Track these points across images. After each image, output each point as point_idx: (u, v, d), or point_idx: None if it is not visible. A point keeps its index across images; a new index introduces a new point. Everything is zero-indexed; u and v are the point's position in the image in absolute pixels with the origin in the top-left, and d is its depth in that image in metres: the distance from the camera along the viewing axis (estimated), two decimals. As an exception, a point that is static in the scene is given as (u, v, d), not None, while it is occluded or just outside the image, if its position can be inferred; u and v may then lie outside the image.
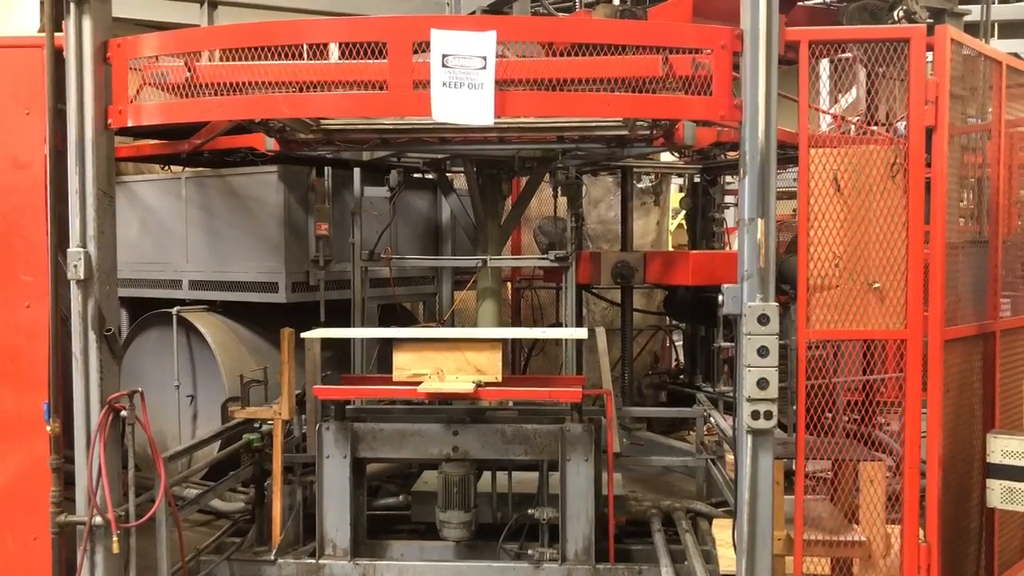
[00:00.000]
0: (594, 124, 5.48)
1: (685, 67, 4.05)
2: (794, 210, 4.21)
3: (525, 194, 7.51)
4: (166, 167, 8.07)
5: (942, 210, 4.20)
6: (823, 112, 4.55)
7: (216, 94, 4.15)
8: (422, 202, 8.57)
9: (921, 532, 4.18)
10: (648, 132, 5.63)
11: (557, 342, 8.45)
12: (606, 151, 6.69)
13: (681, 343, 10.59)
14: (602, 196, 10.56)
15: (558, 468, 5.21)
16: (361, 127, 5.64)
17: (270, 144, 6.28)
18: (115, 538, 4.24)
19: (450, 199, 7.77)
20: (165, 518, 4.70)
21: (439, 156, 7.25)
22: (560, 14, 8.76)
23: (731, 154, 8.12)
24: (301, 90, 4.27)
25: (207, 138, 6.78)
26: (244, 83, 4.10)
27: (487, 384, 5.10)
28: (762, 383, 3.85)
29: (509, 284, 9.94)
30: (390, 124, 5.57)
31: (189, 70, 4.19)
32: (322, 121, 5.56)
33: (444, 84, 3.85)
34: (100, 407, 4.27)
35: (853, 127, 4.46)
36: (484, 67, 3.84)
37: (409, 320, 8.80)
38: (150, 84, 4.27)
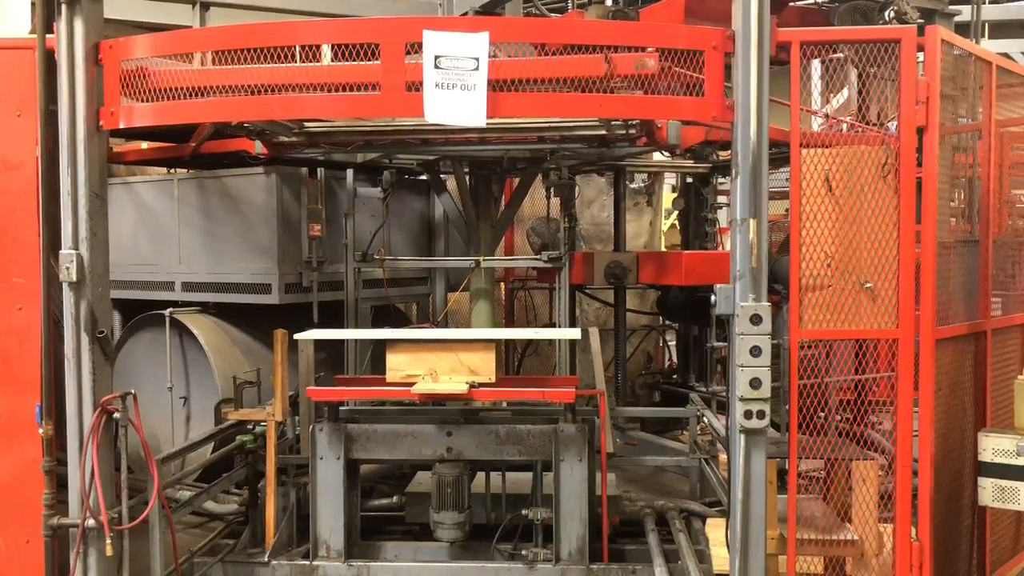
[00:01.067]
0: (573, 124, 5.49)
1: (628, 66, 4.08)
2: (786, 210, 4.22)
3: (517, 195, 7.51)
4: (172, 170, 8.06)
5: (933, 210, 4.22)
6: (815, 113, 4.56)
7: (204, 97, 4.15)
8: (416, 203, 8.57)
9: (913, 531, 4.20)
10: (624, 132, 5.63)
11: (550, 343, 8.45)
12: (596, 151, 6.69)
13: (674, 343, 10.61)
14: (595, 197, 10.57)
15: (552, 468, 5.22)
16: (343, 129, 5.65)
17: (260, 146, 6.28)
18: (108, 540, 4.24)
19: (443, 199, 7.77)
20: (158, 520, 4.70)
21: (429, 157, 7.25)
22: (553, 15, 8.76)
23: (723, 153, 8.13)
24: (282, 91, 4.25)
25: (200, 141, 6.77)
26: (237, 86, 4.11)
27: (481, 385, 5.11)
28: (755, 383, 3.86)
29: (503, 285, 9.95)
30: (371, 126, 5.59)
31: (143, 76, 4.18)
32: (305, 124, 5.57)
33: (437, 85, 3.86)
34: (93, 409, 4.26)
35: (845, 127, 4.48)
36: (477, 68, 3.84)
37: (403, 321, 8.79)
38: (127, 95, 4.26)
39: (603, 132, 5.54)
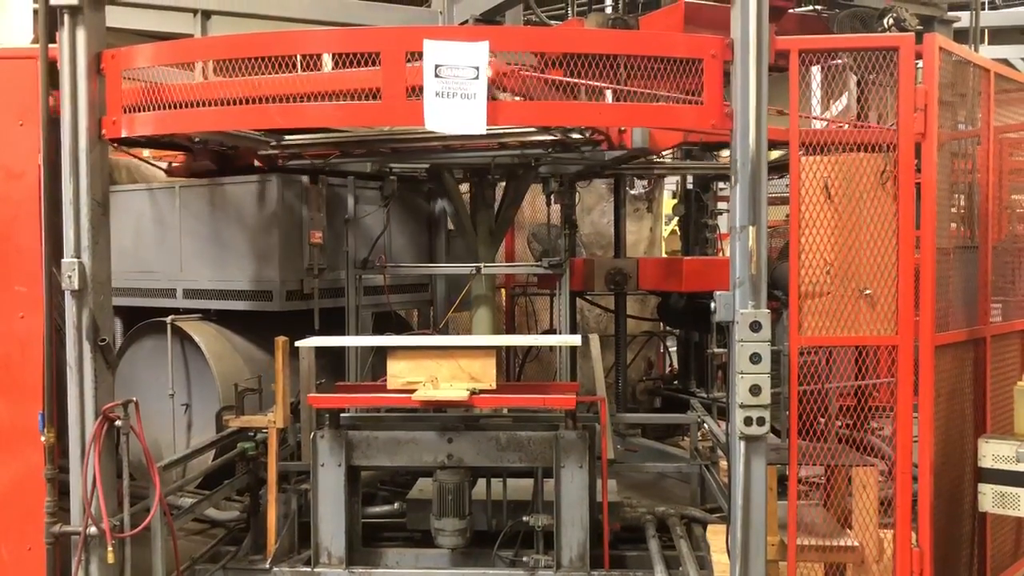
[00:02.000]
0: (523, 130, 5.51)
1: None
2: (786, 216, 4.24)
3: (515, 199, 7.51)
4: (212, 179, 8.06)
5: (932, 216, 4.23)
6: (814, 118, 4.58)
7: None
8: (418, 208, 8.58)
9: (913, 537, 4.21)
10: (579, 136, 5.63)
11: (551, 349, 8.46)
12: (580, 155, 6.68)
13: (675, 349, 10.61)
14: (595, 203, 10.58)
15: (553, 475, 5.22)
16: (319, 141, 5.75)
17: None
18: (110, 548, 4.25)
19: (443, 206, 7.79)
20: (160, 527, 4.70)
21: (420, 165, 7.27)
22: (553, 22, 8.78)
23: (723, 156, 8.13)
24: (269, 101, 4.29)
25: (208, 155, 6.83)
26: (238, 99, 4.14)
27: (481, 391, 5.11)
28: (755, 389, 3.87)
29: (503, 291, 9.95)
30: (344, 137, 5.68)
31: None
32: (285, 137, 5.64)
33: (437, 94, 3.88)
34: (95, 417, 4.28)
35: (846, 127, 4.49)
36: (476, 77, 3.87)
37: (404, 327, 8.80)
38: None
39: (555, 137, 5.56)
